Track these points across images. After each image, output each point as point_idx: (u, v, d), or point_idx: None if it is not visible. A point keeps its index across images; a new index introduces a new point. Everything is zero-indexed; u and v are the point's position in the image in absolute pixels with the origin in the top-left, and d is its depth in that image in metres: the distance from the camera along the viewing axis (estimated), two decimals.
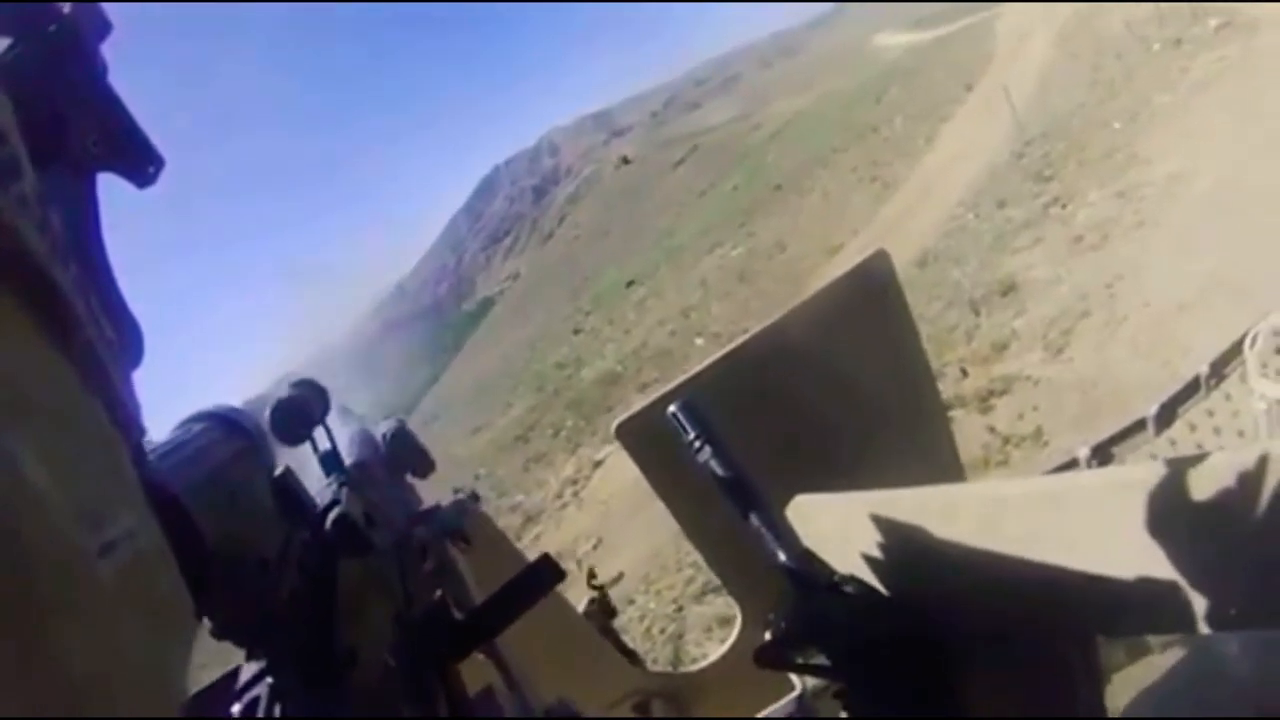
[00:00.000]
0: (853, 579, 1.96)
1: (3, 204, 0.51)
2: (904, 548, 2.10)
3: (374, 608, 1.26)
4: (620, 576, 12.66)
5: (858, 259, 3.25)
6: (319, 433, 1.48)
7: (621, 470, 19.03)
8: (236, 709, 0.95)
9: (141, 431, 0.69)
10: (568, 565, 12.06)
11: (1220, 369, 4.64)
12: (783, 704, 4.01)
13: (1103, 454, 4.38)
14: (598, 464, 20.55)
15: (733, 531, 3.22)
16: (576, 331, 38.96)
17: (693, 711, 3.69)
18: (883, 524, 2.14)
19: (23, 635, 0.45)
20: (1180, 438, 4.74)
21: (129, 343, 0.74)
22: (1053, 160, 17.20)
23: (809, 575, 1.94)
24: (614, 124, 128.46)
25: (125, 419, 0.65)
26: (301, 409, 1.38)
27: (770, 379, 3.01)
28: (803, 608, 1.95)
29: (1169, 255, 10.81)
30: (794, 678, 3.48)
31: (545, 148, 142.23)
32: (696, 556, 10.95)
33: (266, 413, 1.33)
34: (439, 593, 1.44)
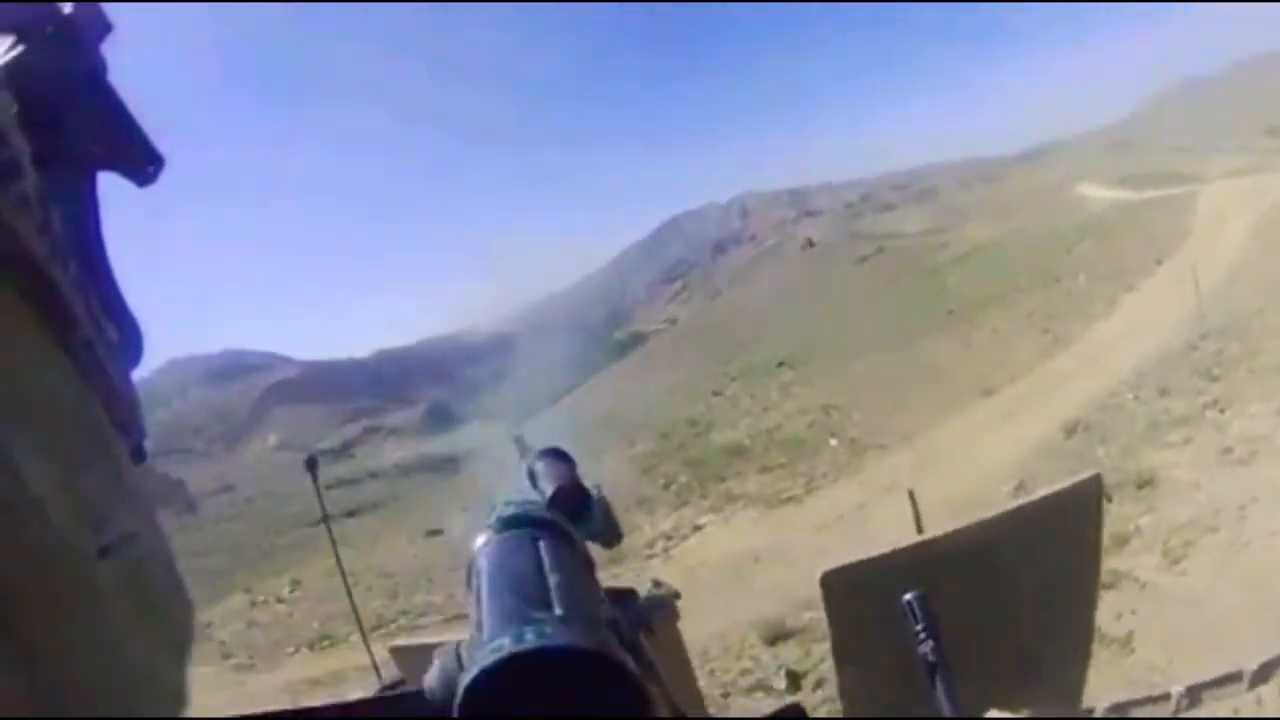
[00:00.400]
0: None
1: (3, 204, 0.53)
2: None
3: None
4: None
5: (1071, 480, 3.29)
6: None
7: (718, 542, 18.97)
8: None
9: (142, 432, 0.69)
10: None
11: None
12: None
13: (1194, 697, 4.28)
14: (697, 528, 20.45)
15: (885, 708, 3.28)
16: (716, 394, 38.88)
17: None
18: None
19: (23, 635, 0.46)
20: (1269, 698, 4.59)
21: (129, 342, 0.73)
22: (1224, 360, 16.56)
23: None
24: (807, 204, 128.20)
25: (125, 419, 0.65)
26: (580, 494, 1.35)
27: (962, 572, 3.04)
28: None
29: None
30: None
31: (736, 208, 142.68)
32: (760, 652, 10.88)
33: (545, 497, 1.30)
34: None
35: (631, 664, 0.78)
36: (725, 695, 11.08)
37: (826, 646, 10.79)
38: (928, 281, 49.04)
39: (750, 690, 11.05)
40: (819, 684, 10.35)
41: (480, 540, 0.96)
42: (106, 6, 0.76)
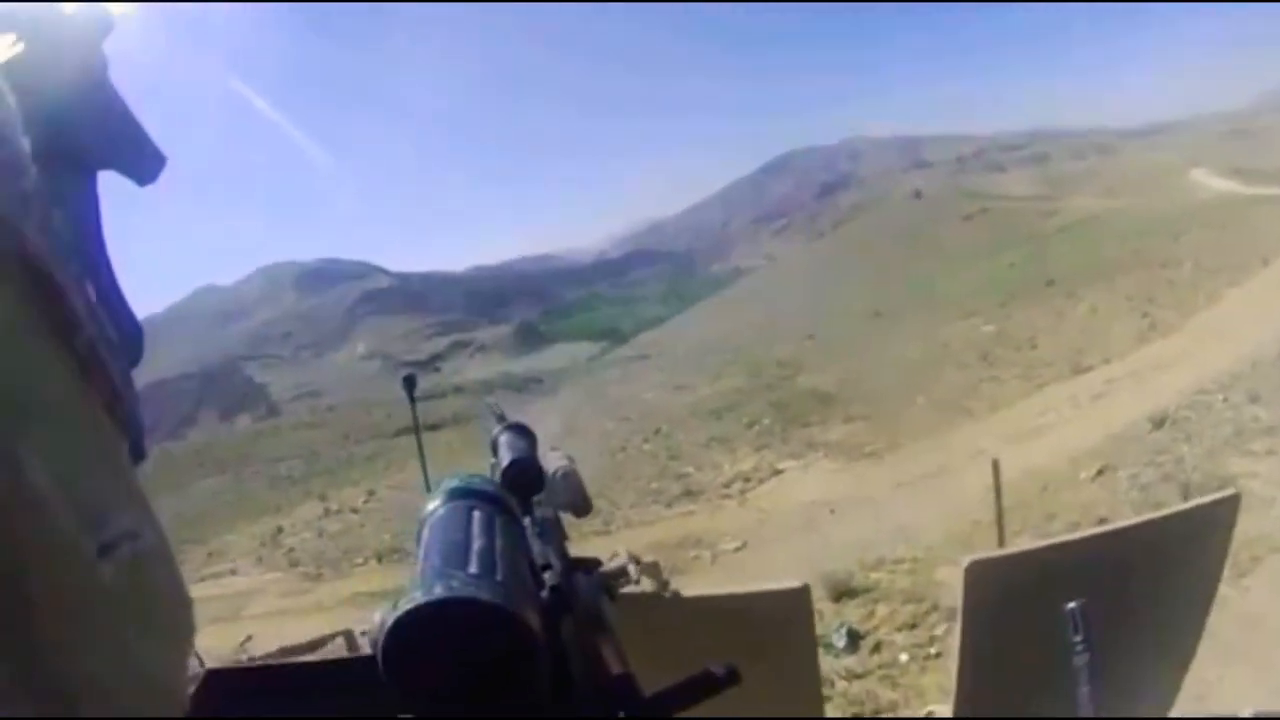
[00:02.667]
0: None
1: (4, 204, 0.52)
2: None
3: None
4: None
5: (1210, 497, 3.15)
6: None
7: (794, 488, 18.94)
8: None
9: (141, 431, 0.67)
10: (703, 554, 11.99)
11: None
12: None
13: None
14: (777, 471, 20.38)
15: (1004, 707, 3.19)
16: (809, 337, 38.77)
17: None
18: None
19: (23, 634, 0.46)
20: None
21: (129, 341, 0.72)
22: None
23: None
24: (918, 155, 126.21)
25: (125, 419, 0.63)
26: (532, 469, 1.43)
27: (1098, 579, 2.94)
28: None
29: None
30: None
31: (846, 151, 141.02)
32: (824, 607, 10.81)
33: (498, 474, 1.39)
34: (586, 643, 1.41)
35: (534, 618, 0.84)
36: None
37: (890, 610, 10.79)
38: (1030, 248, 48.07)
39: None
40: (877, 647, 10.27)
41: (427, 508, 1.05)
42: (107, 5, 0.75)
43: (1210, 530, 3.07)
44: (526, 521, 1.33)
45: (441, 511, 1.04)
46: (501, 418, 1.63)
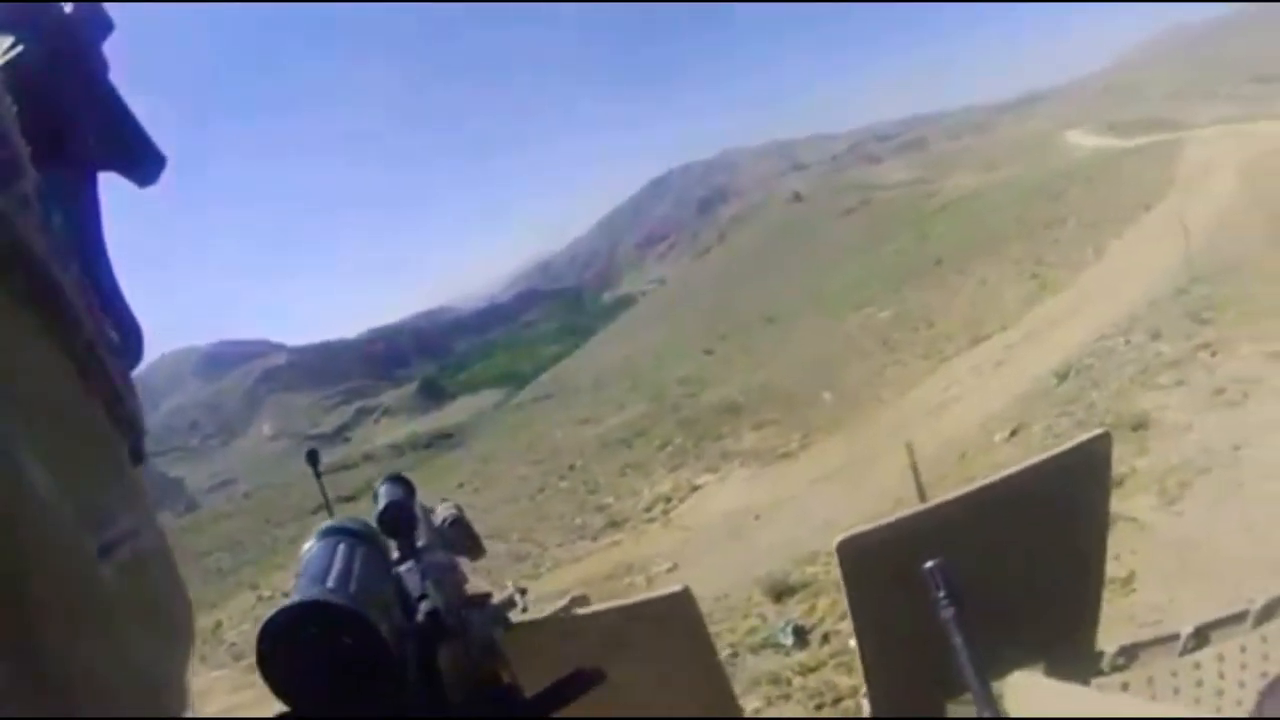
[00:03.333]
0: None
1: (4, 204, 0.51)
2: None
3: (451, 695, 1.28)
4: None
5: (1079, 439, 3.21)
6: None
7: (715, 501, 19.01)
8: None
9: (141, 431, 0.67)
10: (636, 580, 11.92)
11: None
12: None
13: (1202, 637, 4.22)
14: (694, 488, 20.48)
15: (908, 674, 3.21)
16: (708, 352, 39.01)
17: None
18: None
19: (23, 635, 0.46)
20: (1275, 636, 4.55)
21: (129, 342, 0.73)
22: (1214, 304, 16.34)
23: None
24: (795, 157, 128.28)
25: (125, 419, 0.63)
26: (405, 511, 1.53)
27: (974, 534, 2.98)
28: None
29: None
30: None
31: (722, 164, 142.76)
32: (766, 609, 10.90)
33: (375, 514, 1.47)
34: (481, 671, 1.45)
35: (384, 625, 0.94)
36: (734, 655, 11.08)
37: (830, 601, 10.85)
38: (914, 231, 49.16)
39: (758, 648, 11.05)
40: (825, 638, 10.33)
41: (305, 547, 1.15)
42: (107, 5, 0.76)
43: (1086, 471, 3.14)
44: (410, 561, 1.46)
45: (315, 548, 1.13)
46: (392, 480, 1.72)
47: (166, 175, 0.84)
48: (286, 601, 0.89)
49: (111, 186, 0.77)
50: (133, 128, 0.79)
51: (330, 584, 0.99)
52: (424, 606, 1.32)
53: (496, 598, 1.95)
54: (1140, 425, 12.17)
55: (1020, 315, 23.81)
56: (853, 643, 9.95)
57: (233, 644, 24.24)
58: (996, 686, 2.18)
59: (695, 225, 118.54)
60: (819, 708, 9.11)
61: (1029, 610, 3.10)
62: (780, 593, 11.94)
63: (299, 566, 1.09)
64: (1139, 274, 21.01)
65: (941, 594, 2.05)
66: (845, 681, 9.20)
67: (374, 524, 1.39)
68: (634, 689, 3.13)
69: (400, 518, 1.51)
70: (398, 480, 1.66)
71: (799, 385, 26.61)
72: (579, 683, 1.40)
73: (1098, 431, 3.19)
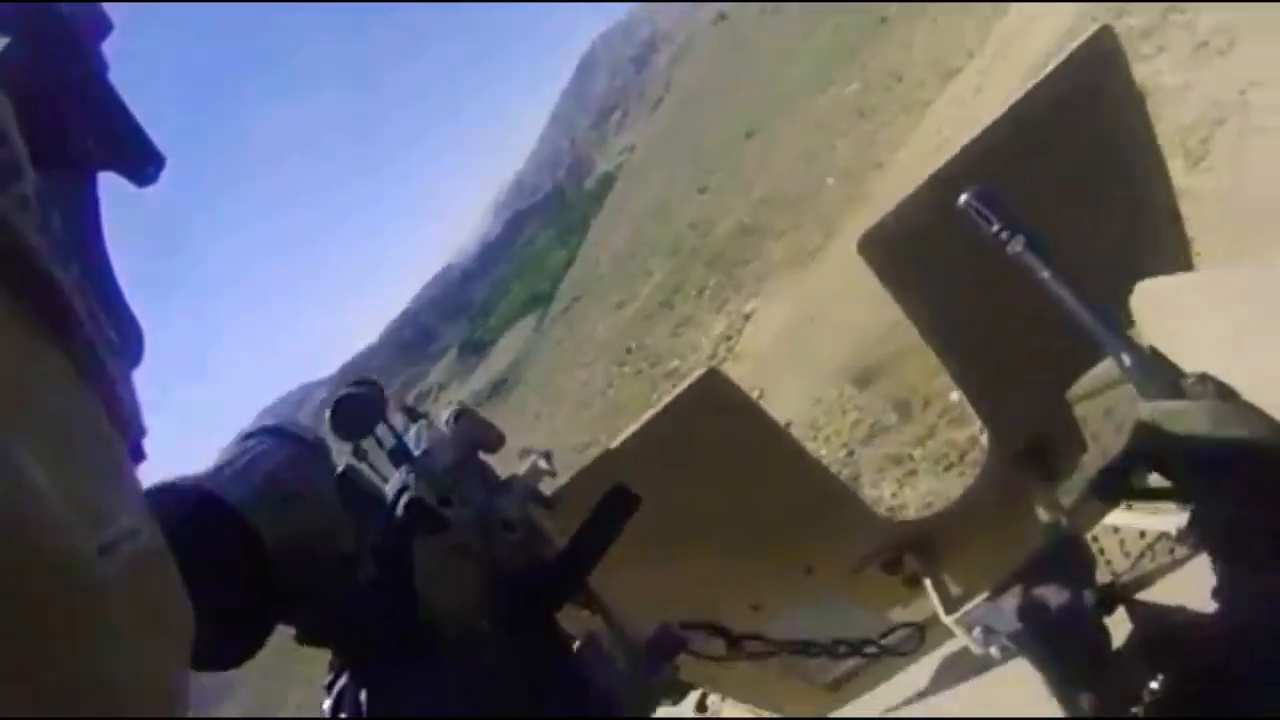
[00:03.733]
0: (1206, 377, 1.68)
1: (3, 205, 0.53)
2: (1259, 334, 1.91)
3: (462, 581, 1.35)
4: (787, 426, 12.64)
5: (1081, 38, 2.97)
6: (385, 431, 1.59)
7: (769, 321, 19.13)
8: (327, 704, 1.07)
9: (141, 431, 0.69)
10: None
11: None
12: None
13: None
14: (747, 317, 20.50)
15: (992, 344, 3.08)
16: (702, 191, 38.47)
17: (945, 560, 3.52)
18: (1232, 308, 1.98)
19: (23, 635, 0.46)
20: None
21: (129, 342, 0.74)
22: None
23: (1159, 377, 1.68)
24: None
25: (125, 419, 0.65)
26: (360, 405, 1.48)
27: (1001, 172, 2.72)
28: (1154, 419, 1.68)
29: None
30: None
31: (639, 17, 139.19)
32: (860, 399, 10.97)
33: (327, 414, 1.46)
34: (526, 555, 1.55)
35: (263, 518, 0.92)
36: (850, 453, 11.16)
37: (916, 366, 10.86)
38: (848, 6, 47.48)
39: (868, 438, 11.13)
40: (925, 402, 10.41)
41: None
42: (106, 5, 0.76)
43: (1102, 66, 2.93)
44: (404, 462, 1.48)
45: (247, 440, 1.14)
46: (353, 381, 1.67)
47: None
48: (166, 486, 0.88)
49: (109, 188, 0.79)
50: (132, 128, 0.80)
51: (213, 475, 0.96)
52: (404, 499, 1.33)
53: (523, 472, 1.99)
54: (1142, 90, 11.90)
55: (982, 39, 23.00)
56: (954, 395, 9.90)
57: None
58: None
59: (638, 84, 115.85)
60: (947, 469, 9.18)
61: (1101, 234, 2.95)
62: (865, 378, 12.00)
63: None
64: None
65: (995, 226, 1.80)
66: (961, 435, 9.31)
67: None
68: (706, 476, 3.09)
69: (352, 414, 1.48)
70: (361, 381, 1.58)
71: (800, 184, 26.16)
72: (617, 509, 1.42)
73: (1097, 27, 2.98)
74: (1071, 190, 2.89)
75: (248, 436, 1.13)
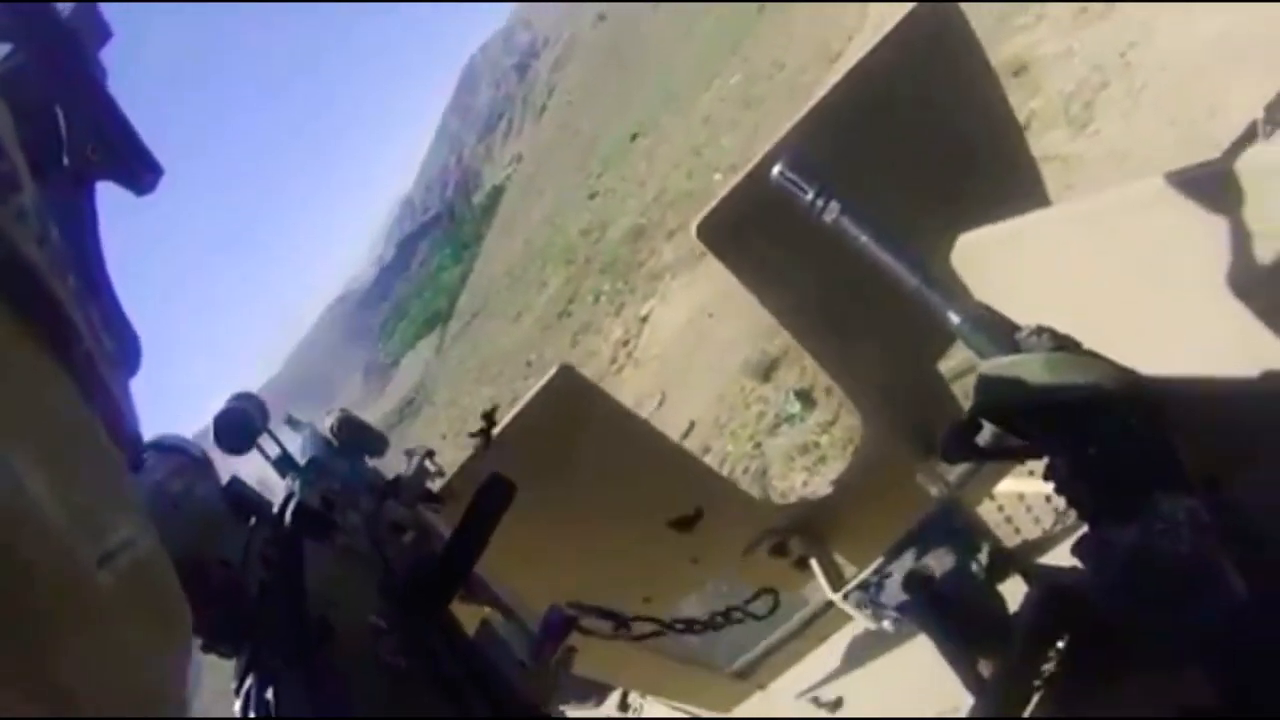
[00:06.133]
0: (1043, 329, 1.61)
1: (2, 217, 0.52)
2: (1077, 273, 1.87)
3: (354, 583, 1.34)
4: (692, 426, 12.64)
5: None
6: (268, 442, 1.65)
7: (668, 321, 19.16)
8: (237, 705, 1.04)
9: (139, 441, 0.72)
10: None
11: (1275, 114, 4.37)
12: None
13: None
14: (644, 320, 20.64)
15: (846, 321, 2.99)
16: (592, 196, 38.62)
17: (831, 540, 3.52)
18: (1054, 250, 1.97)
19: (24, 643, 0.46)
20: None
21: (127, 353, 0.75)
22: None
23: (993, 335, 1.64)
24: None
25: (123, 429, 0.66)
26: (241, 419, 1.51)
27: (847, 140, 2.68)
28: (990, 379, 1.65)
29: (1180, 16, 10.10)
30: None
31: (517, 24, 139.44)
32: (763, 391, 10.96)
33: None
34: (419, 555, 1.58)
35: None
36: (757, 446, 11.19)
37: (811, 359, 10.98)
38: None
39: (774, 429, 11.15)
40: (828, 390, 10.44)
41: None
42: (104, 10, 0.75)
43: (939, 28, 2.88)
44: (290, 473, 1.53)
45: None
46: (235, 395, 1.69)
47: None
48: None
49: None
50: (130, 137, 0.80)
51: None
52: (290, 505, 1.36)
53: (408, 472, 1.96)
54: (1020, 69, 12.20)
55: (861, 20, 23.36)
56: None
57: None
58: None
59: (521, 92, 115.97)
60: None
61: (954, 198, 2.85)
62: (766, 370, 12.09)
63: None
64: None
65: (809, 194, 1.71)
66: None
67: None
68: (578, 472, 3.09)
69: (233, 427, 1.49)
70: (240, 396, 1.58)
71: (689, 181, 26.43)
72: (492, 499, 1.41)
73: None
74: (918, 156, 2.86)
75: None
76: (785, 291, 3.01)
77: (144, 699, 0.56)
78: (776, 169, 1.75)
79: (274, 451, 1.68)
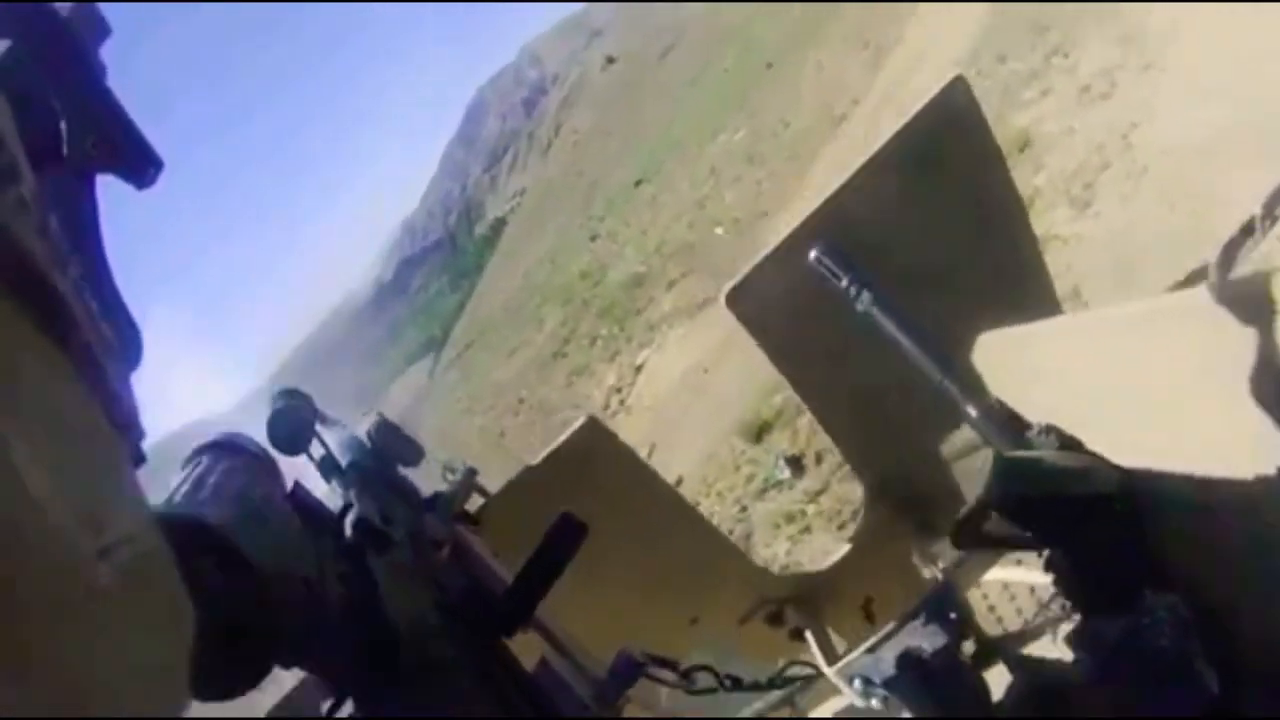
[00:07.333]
0: (1051, 428, 1.79)
1: (1, 208, 0.52)
2: (1096, 379, 1.97)
3: (406, 599, 1.28)
4: (680, 481, 12.65)
5: (935, 90, 3.06)
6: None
7: (663, 372, 19.18)
8: None
9: (140, 434, 0.70)
10: None
11: (1273, 209, 4.49)
12: None
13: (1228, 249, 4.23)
14: (638, 368, 20.61)
15: (861, 398, 3.12)
16: (593, 238, 38.65)
17: (827, 614, 3.60)
18: (1067, 355, 2.04)
19: (23, 638, 0.46)
20: None
21: (127, 344, 0.76)
22: (1045, 9, 16.20)
23: (1005, 430, 1.76)
24: (592, 24, 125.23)
25: (124, 421, 0.66)
26: (298, 418, 1.46)
27: (864, 228, 2.82)
28: (1005, 472, 1.76)
29: (1181, 100, 10.29)
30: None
31: (527, 60, 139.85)
32: (753, 453, 11.01)
33: (263, 427, 1.40)
34: (469, 577, 1.55)
35: (244, 536, 0.86)
36: (743, 509, 11.17)
37: (807, 421, 10.93)
38: (736, 45, 47.92)
39: (761, 493, 11.15)
40: (819, 457, 10.48)
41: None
42: (104, 9, 0.76)
43: (954, 119, 3.03)
44: (334, 479, 1.44)
45: (200, 455, 1.09)
46: (284, 392, 1.65)
47: None
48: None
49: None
50: (129, 131, 0.81)
51: (189, 501, 0.91)
52: (349, 519, 1.29)
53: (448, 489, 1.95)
54: (1024, 145, 12.22)
55: (867, 85, 23.47)
56: None
57: None
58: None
59: (528, 127, 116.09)
60: (840, 527, 9.23)
61: (964, 284, 3.01)
62: (758, 432, 12.06)
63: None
64: (961, 8, 20.72)
65: (844, 281, 1.87)
66: (856, 491, 9.30)
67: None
68: (592, 523, 3.19)
69: (291, 429, 1.43)
70: (290, 392, 1.54)
71: (690, 232, 26.49)
72: (567, 537, 1.44)
73: (949, 78, 3.09)
74: (932, 240, 2.96)
75: (201, 451, 1.10)
76: (806, 364, 3.10)
77: (144, 696, 0.56)
78: (813, 254, 1.89)
79: (317, 451, 1.65)
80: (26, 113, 0.60)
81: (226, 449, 1.11)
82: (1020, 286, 3.18)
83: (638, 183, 39.94)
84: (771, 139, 27.76)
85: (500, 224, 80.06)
